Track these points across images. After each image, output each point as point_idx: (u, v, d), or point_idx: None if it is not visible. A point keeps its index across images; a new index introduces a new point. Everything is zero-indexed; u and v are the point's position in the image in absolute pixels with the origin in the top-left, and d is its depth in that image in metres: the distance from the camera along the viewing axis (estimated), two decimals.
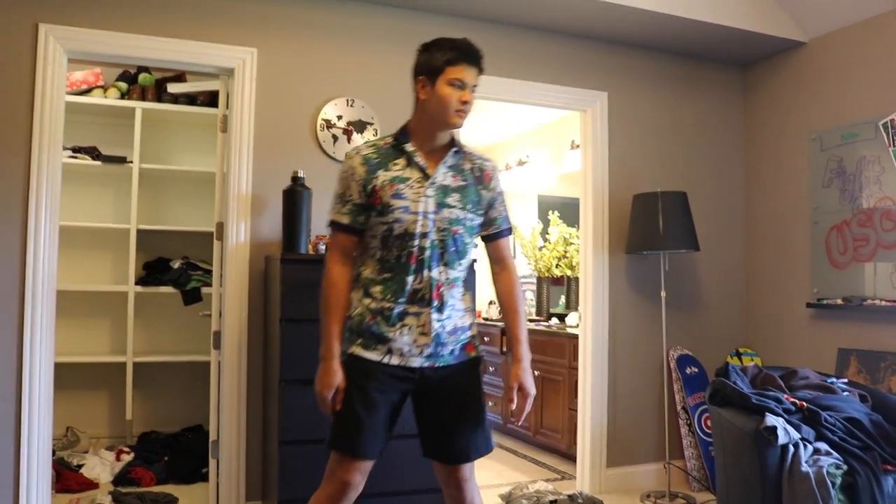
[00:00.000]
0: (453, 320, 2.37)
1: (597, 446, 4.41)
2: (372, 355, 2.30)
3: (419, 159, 2.35)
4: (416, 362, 2.32)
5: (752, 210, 4.88)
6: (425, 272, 2.30)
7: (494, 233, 2.53)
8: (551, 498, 3.97)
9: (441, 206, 2.32)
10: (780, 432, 3.00)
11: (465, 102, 2.32)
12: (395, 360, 2.30)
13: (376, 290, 2.32)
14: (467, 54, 2.34)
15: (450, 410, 2.39)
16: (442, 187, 2.34)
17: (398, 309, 2.30)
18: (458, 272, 2.39)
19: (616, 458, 4.45)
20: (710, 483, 4.33)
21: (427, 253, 2.30)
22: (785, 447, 3.03)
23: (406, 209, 2.28)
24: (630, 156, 4.59)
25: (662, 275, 4.42)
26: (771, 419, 3.05)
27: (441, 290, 2.32)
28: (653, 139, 4.67)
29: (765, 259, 4.77)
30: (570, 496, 3.98)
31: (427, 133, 2.39)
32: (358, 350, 2.31)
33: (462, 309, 2.41)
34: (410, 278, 2.29)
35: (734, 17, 4.27)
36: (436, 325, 2.31)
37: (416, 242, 2.29)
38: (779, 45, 4.55)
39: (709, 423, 4.37)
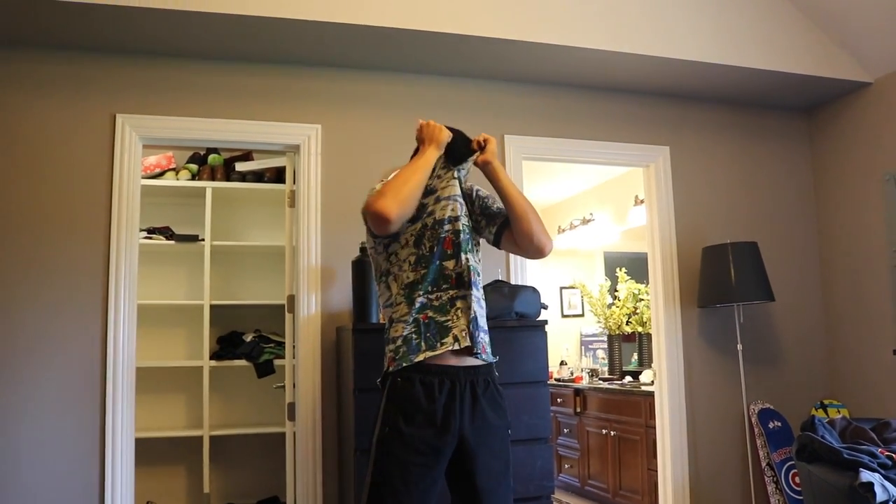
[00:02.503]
0: (483, 313, 2.42)
1: None
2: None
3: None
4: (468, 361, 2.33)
5: (827, 256, 4.75)
6: (462, 256, 2.38)
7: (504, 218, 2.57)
8: None
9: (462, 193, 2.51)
10: (877, 489, 2.86)
11: None
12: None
13: (419, 291, 2.35)
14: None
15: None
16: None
17: (447, 296, 2.36)
18: (479, 264, 2.50)
19: None
20: None
21: (461, 237, 2.41)
22: None
23: (438, 198, 2.43)
24: (696, 208, 4.54)
25: (738, 327, 4.31)
26: (866, 475, 2.92)
27: (473, 276, 2.39)
28: (719, 190, 4.62)
29: (844, 306, 4.62)
30: None
31: None
32: (425, 355, 2.30)
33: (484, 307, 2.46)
34: (450, 263, 2.37)
35: (794, 63, 4.23)
36: (476, 308, 2.36)
37: (448, 227, 2.40)
38: (843, 87, 4.48)
39: (797, 479, 4.19)
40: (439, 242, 2.37)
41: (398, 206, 2.27)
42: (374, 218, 2.28)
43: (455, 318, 2.33)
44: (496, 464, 2.37)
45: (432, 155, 2.45)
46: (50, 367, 3.46)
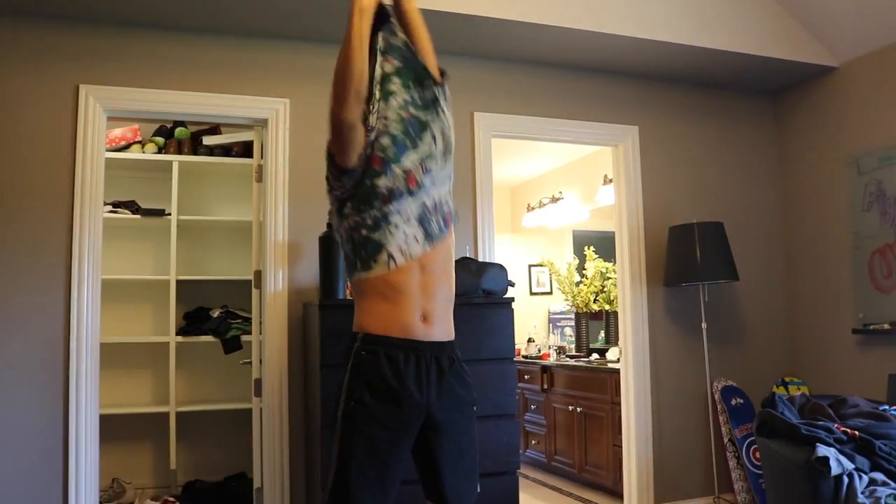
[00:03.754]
0: None
1: (643, 482, 4.33)
2: None
3: None
4: None
5: (790, 237, 4.82)
6: None
7: None
8: None
9: None
10: (832, 463, 2.93)
11: None
12: None
13: None
14: None
15: None
16: None
17: None
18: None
19: (664, 493, 4.37)
20: None
21: None
22: (839, 478, 2.95)
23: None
24: (664, 188, 4.58)
25: (702, 306, 4.37)
26: (822, 449, 2.98)
27: None
28: (686, 171, 4.66)
29: (807, 286, 4.70)
30: None
31: None
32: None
33: None
34: None
35: (761, 46, 4.27)
36: None
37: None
38: (809, 70, 4.53)
39: (758, 454, 4.27)
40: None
41: (343, 102, 2.20)
42: (333, 131, 2.23)
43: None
44: (461, 439, 2.38)
45: (356, 21, 2.21)
46: (11, 343, 3.40)
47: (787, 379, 4.65)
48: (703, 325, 4.37)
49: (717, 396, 4.48)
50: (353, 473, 2.25)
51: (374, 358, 2.22)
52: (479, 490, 2.44)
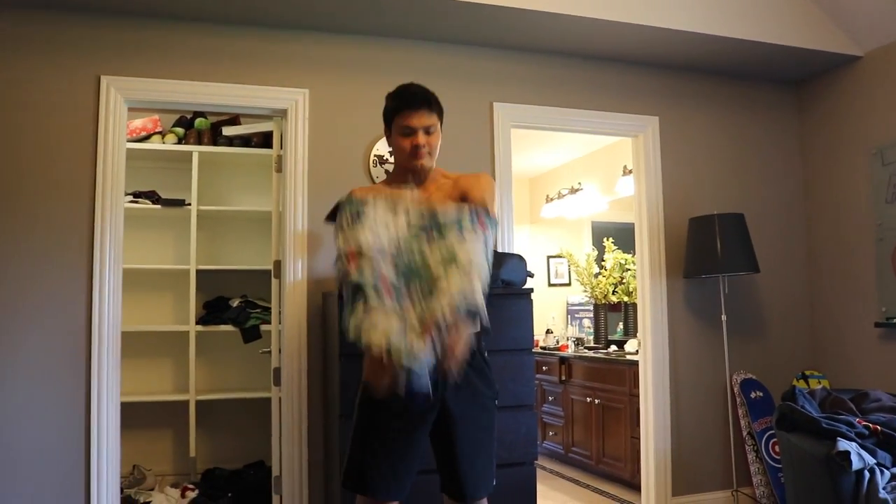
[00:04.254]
0: None
1: (661, 475, 4.32)
2: None
3: None
4: None
5: (813, 229, 4.78)
6: None
7: None
8: None
9: None
10: (853, 457, 2.91)
11: (416, 146, 2.41)
12: None
13: None
14: (408, 101, 2.43)
15: None
16: None
17: None
18: None
19: (681, 486, 4.36)
20: None
21: None
22: (860, 473, 2.93)
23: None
24: (684, 179, 4.55)
25: (722, 298, 4.34)
26: (843, 444, 2.96)
27: None
28: (707, 162, 4.62)
29: (828, 279, 4.66)
30: None
31: (398, 175, 2.53)
32: None
33: None
34: None
35: (784, 35, 4.22)
36: None
37: None
38: (833, 60, 4.47)
39: (777, 448, 4.25)
40: None
41: None
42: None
43: None
44: (477, 432, 2.39)
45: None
46: (35, 332, 3.44)
47: (807, 372, 4.61)
48: (723, 318, 4.35)
49: (736, 389, 4.46)
50: (365, 461, 2.27)
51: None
52: (495, 482, 2.45)
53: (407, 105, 2.42)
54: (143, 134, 4.96)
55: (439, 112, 2.48)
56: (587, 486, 5.26)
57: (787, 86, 4.88)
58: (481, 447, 2.41)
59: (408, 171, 2.47)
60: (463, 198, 2.41)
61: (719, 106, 4.69)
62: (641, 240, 4.50)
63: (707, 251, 4.21)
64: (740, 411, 4.44)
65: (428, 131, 2.43)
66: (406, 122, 2.41)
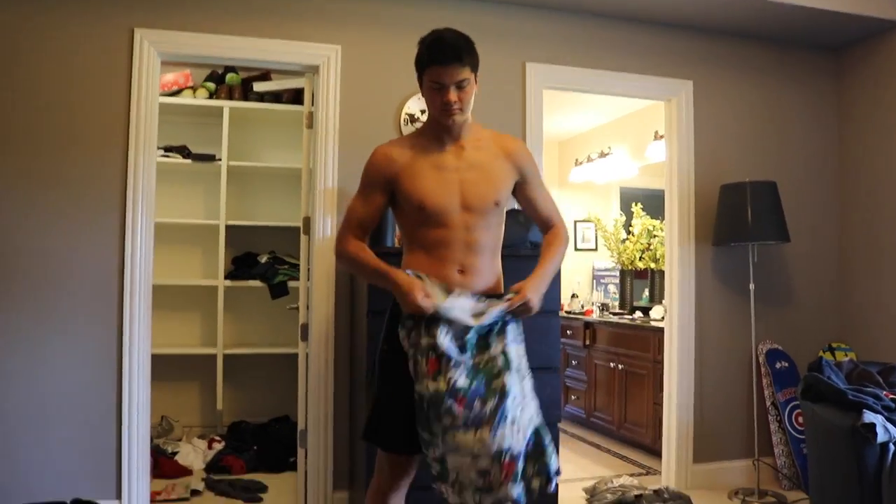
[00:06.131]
0: None
1: (683, 441, 4.33)
2: None
3: None
4: None
5: (846, 199, 4.70)
6: None
7: None
8: (636, 492, 3.93)
9: None
10: (879, 430, 2.90)
11: (447, 103, 2.29)
12: None
13: None
14: (439, 55, 2.28)
15: None
16: None
17: None
18: None
19: (703, 453, 4.37)
20: (801, 481, 4.21)
21: None
22: (885, 445, 2.93)
23: None
24: (717, 145, 4.49)
25: (751, 267, 4.31)
26: (869, 416, 2.95)
27: None
28: (740, 128, 4.55)
29: (860, 250, 4.60)
30: (655, 491, 3.93)
31: (431, 128, 2.44)
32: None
33: None
34: None
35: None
36: None
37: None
38: (874, 25, 4.36)
39: (800, 419, 4.24)
40: None
41: (342, 264, 2.46)
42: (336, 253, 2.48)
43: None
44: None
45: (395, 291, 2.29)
46: (68, 284, 3.50)
47: (834, 345, 4.58)
48: (751, 287, 4.31)
49: (761, 359, 4.44)
50: (382, 415, 2.29)
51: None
52: (539, 418, 2.38)
53: (438, 60, 2.27)
54: (175, 88, 4.98)
55: (473, 64, 2.32)
56: (608, 451, 5.30)
57: (827, 52, 4.77)
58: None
59: (441, 126, 2.38)
60: (521, 175, 2.46)
61: (755, 71, 4.61)
62: (671, 206, 4.46)
63: (737, 219, 4.17)
64: (764, 381, 4.43)
65: (460, 86, 2.29)
66: (436, 78, 2.27)
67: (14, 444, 3.39)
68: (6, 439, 3.38)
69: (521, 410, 2.19)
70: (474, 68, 2.34)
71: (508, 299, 2.26)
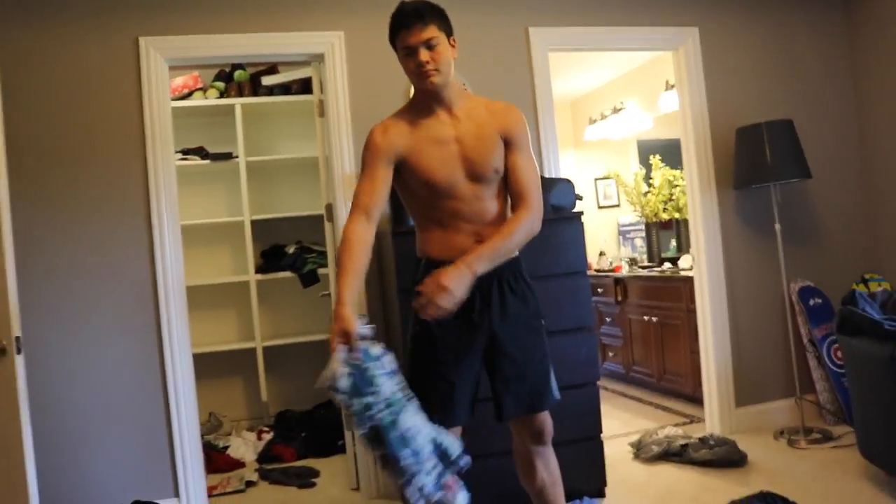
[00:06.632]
0: None
1: (723, 387, 4.35)
2: None
3: None
4: None
5: (866, 131, 4.65)
6: None
7: None
8: (682, 442, 3.96)
9: None
10: None
11: (419, 65, 2.29)
12: None
13: None
14: (399, 20, 2.30)
15: None
16: None
17: None
18: None
19: (744, 397, 4.39)
20: (845, 415, 4.22)
21: None
22: None
23: None
24: (729, 89, 4.45)
25: (775, 207, 4.29)
26: None
27: None
28: (751, 70, 4.50)
29: (883, 179, 4.55)
30: (701, 439, 3.96)
31: (419, 100, 2.43)
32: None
33: None
34: None
35: None
36: None
37: None
38: None
39: (839, 354, 4.24)
40: None
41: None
42: None
43: None
44: (528, 350, 2.45)
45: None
46: (106, 294, 3.59)
47: (867, 276, 4.56)
48: (777, 227, 4.29)
49: (794, 298, 4.44)
50: (424, 392, 2.33)
51: None
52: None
53: (399, 25, 2.30)
54: (185, 91, 5.03)
55: (439, 22, 2.31)
56: (650, 404, 5.33)
57: None
58: (533, 362, 2.46)
59: (426, 94, 2.37)
60: (506, 138, 2.40)
61: (762, 11, 4.54)
62: (689, 154, 4.45)
63: (756, 160, 4.15)
64: (799, 319, 4.43)
65: (429, 45, 2.27)
66: (403, 43, 2.30)
67: (76, 447, 3.51)
68: (70, 444, 3.50)
69: (414, 440, 2.09)
70: (443, 29, 2.33)
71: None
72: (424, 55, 2.28)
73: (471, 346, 2.39)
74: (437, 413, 2.33)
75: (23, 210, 3.37)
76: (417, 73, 2.31)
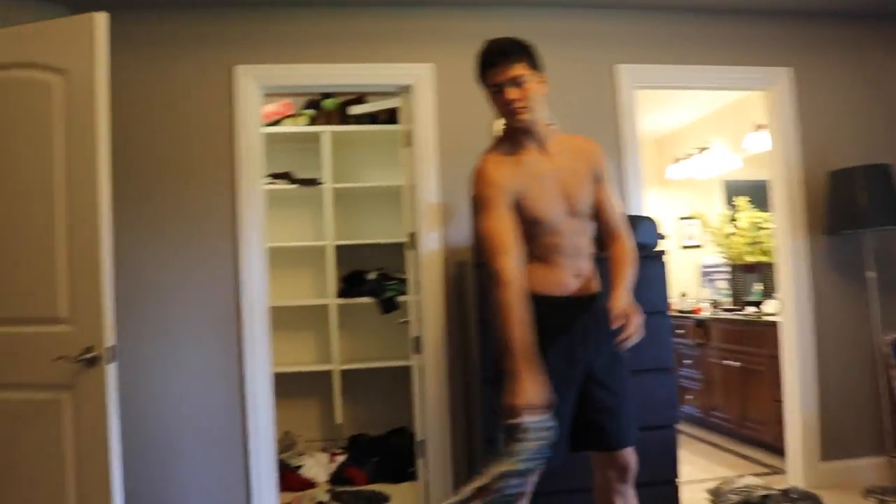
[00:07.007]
0: None
1: (808, 438, 4.19)
2: None
3: None
4: None
5: None
6: None
7: None
8: (763, 493, 3.83)
9: None
10: None
11: (508, 102, 2.31)
12: None
13: None
14: (485, 60, 2.34)
15: None
16: None
17: None
18: None
19: (831, 451, 4.21)
20: None
21: None
22: None
23: None
24: (822, 131, 4.34)
25: (869, 254, 4.14)
26: None
27: None
28: (846, 113, 4.38)
29: None
30: (783, 491, 3.82)
31: (512, 137, 2.44)
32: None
33: None
34: None
35: None
36: None
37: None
38: None
39: None
40: None
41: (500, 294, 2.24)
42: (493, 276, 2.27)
43: None
44: (622, 382, 2.47)
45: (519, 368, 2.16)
46: (191, 311, 3.72)
47: None
48: (870, 275, 4.14)
49: (886, 350, 4.26)
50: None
51: (539, 318, 2.28)
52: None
53: (487, 63, 2.34)
54: (276, 118, 5.18)
55: (527, 59, 2.34)
56: (728, 451, 5.17)
57: None
58: (627, 396, 2.46)
59: (517, 131, 2.39)
60: (595, 174, 2.46)
61: (858, 51, 4.43)
62: (778, 196, 4.34)
63: (849, 205, 4.03)
64: (892, 373, 4.24)
65: (517, 83, 2.30)
66: (490, 81, 2.33)
67: (158, 458, 3.63)
68: (151, 454, 3.62)
69: None
70: (531, 65, 2.36)
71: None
72: (512, 93, 2.31)
73: (574, 379, 2.38)
74: (567, 440, 2.33)
75: (124, 228, 3.50)
76: (506, 110, 2.35)
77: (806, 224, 4.27)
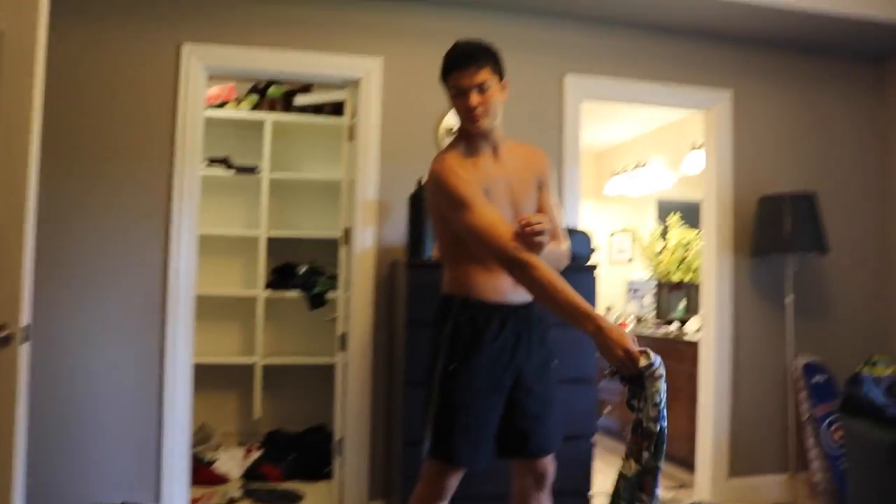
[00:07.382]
0: None
1: (718, 455, 4.31)
2: None
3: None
4: None
5: (888, 210, 4.65)
6: None
7: None
8: None
9: None
10: None
11: (470, 108, 2.32)
12: None
13: None
14: (454, 60, 2.33)
15: None
16: None
17: None
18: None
19: (738, 467, 4.34)
20: (838, 497, 4.16)
21: None
22: None
23: None
24: (756, 156, 4.47)
25: (788, 279, 4.28)
26: None
27: None
28: (780, 138, 4.53)
29: None
30: None
31: (465, 138, 2.45)
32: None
33: None
34: None
35: (865, 6, 4.07)
36: None
37: None
38: None
39: (837, 435, 4.20)
40: None
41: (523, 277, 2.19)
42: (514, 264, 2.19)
43: None
44: (550, 391, 2.51)
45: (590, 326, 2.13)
46: (113, 293, 3.61)
47: (875, 357, 4.50)
48: (789, 299, 4.29)
49: (798, 373, 4.41)
50: (455, 431, 2.32)
51: (474, 323, 2.30)
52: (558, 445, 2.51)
53: (454, 65, 2.33)
54: (220, 101, 5.08)
55: (492, 65, 2.34)
56: None
57: (867, 62, 4.73)
58: (554, 405, 2.51)
59: (472, 135, 2.40)
60: (540, 181, 2.51)
61: (796, 81, 4.58)
62: (709, 217, 4.45)
63: (775, 230, 4.15)
64: (801, 395, 4.40)
65: (481, 89, 2.31)
66: (456, 83, 2.32)
67: (68, 441, 3.51)
68: (62, 437, 3.50)
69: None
70: (496, 71, 2.36)
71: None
72: (475, 98, 2.32)
73: (503, 384, 2.39)
74: (464, 449, 2.32)
75: (49, 198, 3.39)
76: (466, 115, 2.35)
77: (732, 245, 4.39)
